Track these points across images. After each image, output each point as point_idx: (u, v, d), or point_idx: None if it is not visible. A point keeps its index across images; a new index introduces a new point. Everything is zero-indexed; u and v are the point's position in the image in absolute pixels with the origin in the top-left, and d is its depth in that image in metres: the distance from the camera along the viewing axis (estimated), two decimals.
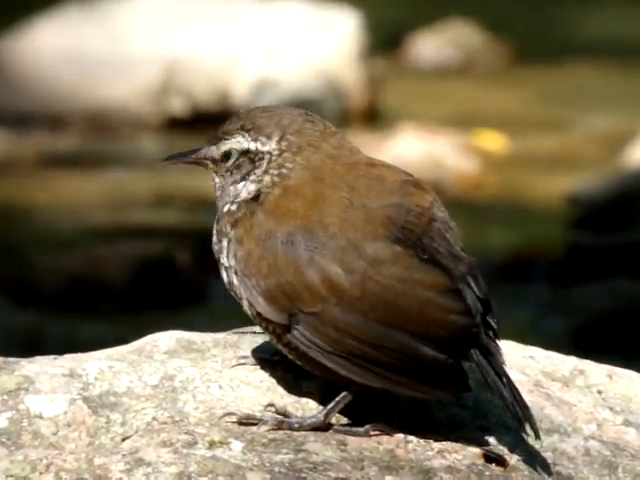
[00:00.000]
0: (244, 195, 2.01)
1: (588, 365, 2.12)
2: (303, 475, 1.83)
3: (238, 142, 2.04)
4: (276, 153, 2.02)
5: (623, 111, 10.43)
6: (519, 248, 8.13)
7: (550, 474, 1.88)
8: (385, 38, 12.04)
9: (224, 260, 2.02)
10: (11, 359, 2.10)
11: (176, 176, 9.36)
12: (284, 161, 2.01)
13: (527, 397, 1.92)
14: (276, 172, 1.99)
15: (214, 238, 2.06)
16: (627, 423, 2.04)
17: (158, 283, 7.23)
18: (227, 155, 2.05)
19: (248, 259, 1.97)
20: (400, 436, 1.90)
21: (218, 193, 2.10)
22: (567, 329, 7.39)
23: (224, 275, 2.03)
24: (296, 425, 1.90)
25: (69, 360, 2.10)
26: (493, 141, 9.23)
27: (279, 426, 1.90)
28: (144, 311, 7.09)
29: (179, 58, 10.71)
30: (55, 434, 1.94)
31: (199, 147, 2.14)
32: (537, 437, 1.86)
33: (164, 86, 10.66)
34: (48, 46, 10.93)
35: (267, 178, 2.00)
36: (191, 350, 2.10)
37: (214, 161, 2.08)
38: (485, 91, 11.36)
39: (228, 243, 2.03)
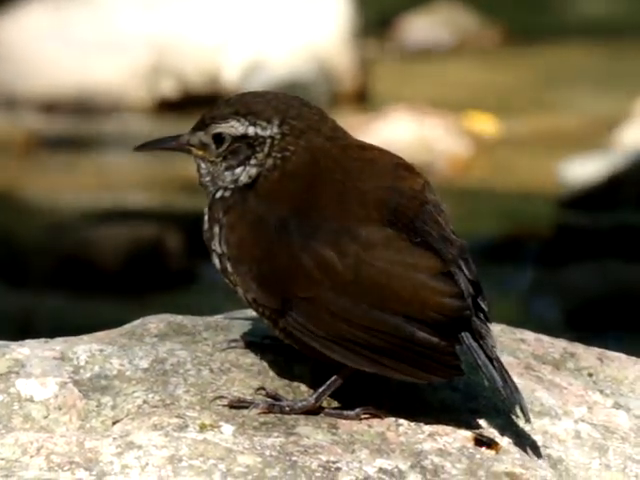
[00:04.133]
0: (244, 179, 2.02)
1: (578, 348, 2.12)
2: (294, 458, 1.83)
3: (232, 127, 2.03)
4: (278, 137, 2.02)
5: (613, 92, 10.45)
6: (509, 230, 8.14)
7: (540, 456, 1.88)
8: (376, 20, 12.00)
9: (216, 247, 2.03)
10: (1, 342, 2.11)
11: (167, 159, 9.35)
12: (287, 144, 2.01)
13: (518, 380, 1.93)
14: (279, 155, 2.00)
15: (205, 225, 2.07)
16: (617, 406, 2.04)
17: (149, 266, 7.26)
18: (219, 140, 2.04)
19: (241, 245, 1.97)
20: (391, 419, 1.90)
21: (207, 179, 2.10)
22: (557, 311, 7.39)
23: (216, 262, 2.04)
24: (287, 408, 1.90)
25: (60, 343, 2.11)
26: (484, 123, 9.25)
27: (270, 409, 1.90)
28: (135, 294, 7.10)
29: (169, 40, 10.69)
30: (46, 417, 1.94)
31: (180, 134, 2.13)
32: (527, 420, 1.87)
33: (154, 68, 10.64)
34: (37, 28, 10.92)
35: (270, 161, 2.00)
36: (182, 333, 2.11)
37: (203, 147, 2.07)
38: (476, 73, 11.34)
39: (220, 229, 2.03)
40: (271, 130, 2.02)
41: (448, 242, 1.96)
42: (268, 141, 2.01)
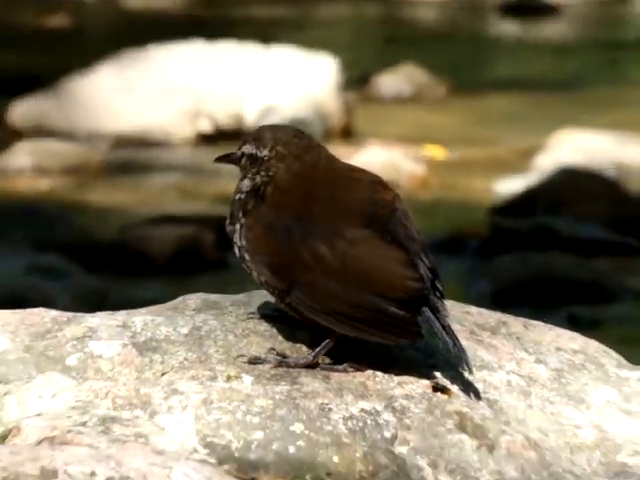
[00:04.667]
0: (244, 189, 2.01)
1: (509, 318, 2.16)
2: (297, 401, 1.85)
3: (247, 148, 2.03)
4: (266, 159, 2.00)
5: (533, 130, 10.36)
6: (456, 230, 8.23)
7: (481, 399, 1.90)
8: (357, 77, 12.30)
9: (237, 240, 2.01)
10: (79, 314, 2.12)
11: (203, 179, 9.48)
12: (270, 166, 2.00)
13: (464, 342, 1.95)
14: (264, 174, 1.98)
15: (227, 220, 2.06)
16: (538, 361, 2.07)
17: (190, 257, 7.30)
18: (242, 157, 2.04)
19: (257, 242, 1.97)
20: (369, 372, 1.92)
21: (237, 184, 2.10)
22: (490, 291, 7.47)
23: (236, 251, 2.03)
24: (292, 364, 1.91)
25: (122, 315, 2.12)
26: (436, 152, 9.30)
27: (279, 365, 1.90)
28: (179, 277, 7.12)
29: (206, 89, 10.85)
30: (111, 370, 1.94)
31: (234, 152, 2.14)
32: (471, 372, 1.88)
33: (194, 111, 10.80)
34: (108, 82, 11.10)
35: (258, 178, 1.99)
36: (213, 307, 2.11)
37: (237, 162, 2.07)
38: (431, 115, 11.36)
39: (240, 228, 2.01)
40: (264, 153, 2.01)
41: (412, 240, 1.95)
42: (259, 161, 2.00)
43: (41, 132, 11.30)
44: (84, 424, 1.82)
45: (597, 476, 1.90)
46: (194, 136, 10.87)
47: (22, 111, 11.50)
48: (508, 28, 17.94)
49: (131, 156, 11.00)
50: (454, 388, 1.93)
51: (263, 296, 2.08)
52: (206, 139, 10.73)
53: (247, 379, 1.91)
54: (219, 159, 2.22)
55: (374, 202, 2.00)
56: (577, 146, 8.51)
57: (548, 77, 13.94)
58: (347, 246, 1.92)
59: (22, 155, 10.71)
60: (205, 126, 10.69)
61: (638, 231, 8.10)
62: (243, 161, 2.05)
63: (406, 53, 12.85)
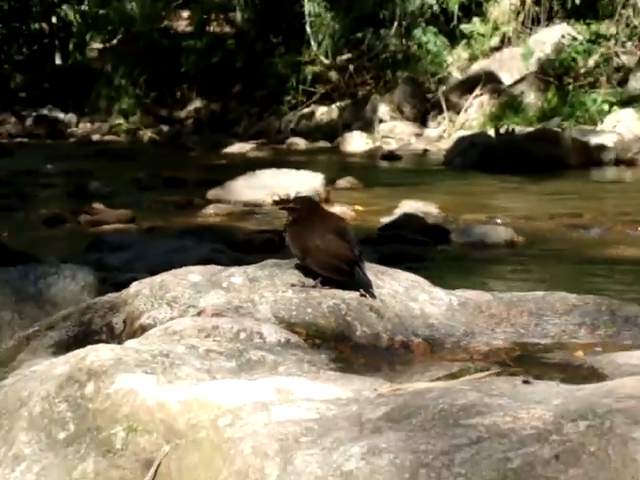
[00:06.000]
0: (288, 220, 1.98)
1: (388, 269, 2.03)
2: (309, 300, 1.80)
3: (290, 205, 2.02)
4: (296, 209, 1.97)
5: (395, 199, 8.91)
6: (366, 236, 7.11)
7: (376, 299, 1.83)
8: (329, 180, 11.01)
9: (286, 238, 2.00)
10: (228, 267, 1.98)
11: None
12: (297, 212, 1.95)
13: (372, 277, 1.89)
14: (295, 214, 1.95)
15: (283, 231, 2.04)
16: (398, 285, 1.96)
17: (269, 246, 6.11)
18: (289, 208, 2.04)
19: (292, 240, 1.95)
20: (336, 290, 1.86)
21: (286, 219, 2.07)
22: (378, 258, 6.66)
23: (286, 243, 2.00)
24: (307, 286, 1.89)
25: (246, 267, 2.00)
26: (359, 207, 9.05)
27: (302, 286, 1.90)
28: (265, 254, 6.26)
29: (277, 185, 8.91)
30: (239, 288, 1.86)
31: (286, 205, 2.09)
32: (372, 288, 1.84)
33: (272, 192, 8.84)
34: (244, 183, 8.90)
35: (293, 215, 1.94)
36: (277, 265, 2.02)
37: (287, 209, 2.04)
38: (361, 194, 10.11)
39: (285, 233, 2.00)
40: (296, 207, 1.97)
41: (351, 240, 1.94)
42: (294, 210, 1.95)
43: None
44: (228, 309, 1.73)
45: (420, 330, 1.74)
46: (272, 202, 8.87)
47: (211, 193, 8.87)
48: None
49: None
50: (368, 295, 1.80)
51: (295, 261, 1.99)
52: (276, 203, 8.75)
53: (290, 292, 1.84)
54: (281, 208, 2.30)
55: (338, 225, 1.99)
56: (410, 205, 8.29)
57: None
58: (327, 241, 1.89)
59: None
60: (276, 197, 8.97)
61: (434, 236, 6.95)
62: (289, 209, 1.99)
63: (349, 173, 11.07)
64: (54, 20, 16.75)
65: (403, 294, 1.85)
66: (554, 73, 10.52)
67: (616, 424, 0.70)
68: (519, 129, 9.02)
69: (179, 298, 1.70)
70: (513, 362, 1.47)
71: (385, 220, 7.09)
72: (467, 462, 0.74)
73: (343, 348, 1.61)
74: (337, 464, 0.83)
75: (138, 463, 1.03)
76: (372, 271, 1.88)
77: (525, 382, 1.06)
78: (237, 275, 1.84)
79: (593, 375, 1.28)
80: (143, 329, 1.60)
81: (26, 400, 1.15)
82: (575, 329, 1.65)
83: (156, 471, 1.00)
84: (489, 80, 11.15)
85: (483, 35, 11.95)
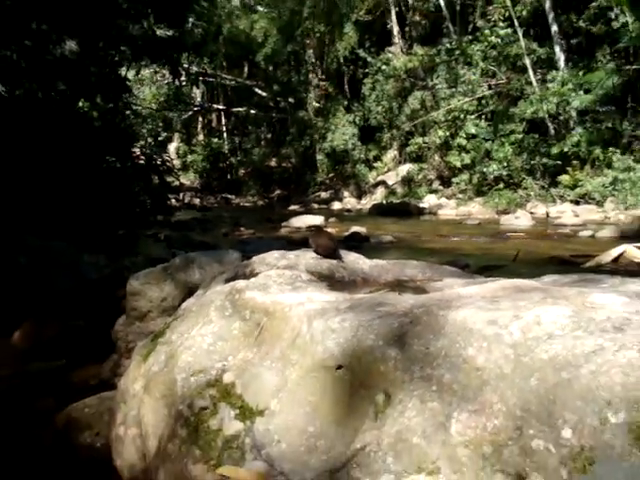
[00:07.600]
0: (311, 237, 1.97)
1: (349, 252, 2.03)
2: (319, 263, 1.86)
3: (312, 228, 2.05)
4: (312, 229, 2.01)
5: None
6: (342, 238, 7.54)
7: (344, 262, 1.90)
8: (326, 220, 10.61)
9: (310, 240, 2.01)
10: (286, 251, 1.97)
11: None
12: (313, 231, 1.99)
13: (343, 255, 1.97)
14: (312, 231, 1.99)
15: (309, 236, 2.02)
16: (360, 255, 2.02)
17: (305, 243, 2.86)
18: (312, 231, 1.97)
19: (311, 241, 1.99)
20: (328, 260, 1.89)
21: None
22: (344, 247, 4.14)
23: (309, 241, 2.01)
24: (318, 258, 1.85)
25: (297, 252, 1.98)
26: (337, 229, 8.24)
27: (319, 256, 1.87)
28: (303, 246, 4.11)
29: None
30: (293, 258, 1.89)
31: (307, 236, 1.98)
32: (343, 262, 1.87)
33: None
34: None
35: (311, 232, 1.97)
36: (306, 251, 1.97)
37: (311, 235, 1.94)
38: (353, 222, 10.28)
39: (310, 238, 2.02)
40: (312, 228, 2.04)
41: (335, 240, 1.98)
42: (313, 235, 1.96)
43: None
44: (288, 266, 1.76)
45: (360, 275, 1.79)
46: (306, 227, 9.07)
47: (284, 223, 10.03)
48: None
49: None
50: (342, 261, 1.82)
51: (310, 250, 1.86)
52: (308, 228, 8.55)
53: (311, 260, 1.86)
54: (308, 228, 2.22)
55: (329, 235, 1.99)
56: (355, 228, 8.35)
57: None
58: (324, 241, 1.93)
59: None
60: (308, 225, 9.08)
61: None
62: (311, 229, 2.03)
63: (334, 217, 11.38)
64: None
65: (354, 261, 1.97)
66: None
67: (434, 309, 1.17)
68: (395, 200, 15.83)
69: (270, 263, 1.91)
70: (394, 287, 1.74)
71: (346, 233, 7.90)
72: (378, 324, 1.19)
73: (331, 281, 1.77)
74: (328, 324, 1.26)
75: (255, 325, 1.45)
76: (342, 252, 1.97)
77: (399, 294, 1.48)
78: (291, 254, 1.96)
79: (423, 291, 1.66)
80: (256, 275, 1.79)
81: (213, 299, 1.61)
82: (417, 273, 1.96)
83: (261, 329, 1.41)
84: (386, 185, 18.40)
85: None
